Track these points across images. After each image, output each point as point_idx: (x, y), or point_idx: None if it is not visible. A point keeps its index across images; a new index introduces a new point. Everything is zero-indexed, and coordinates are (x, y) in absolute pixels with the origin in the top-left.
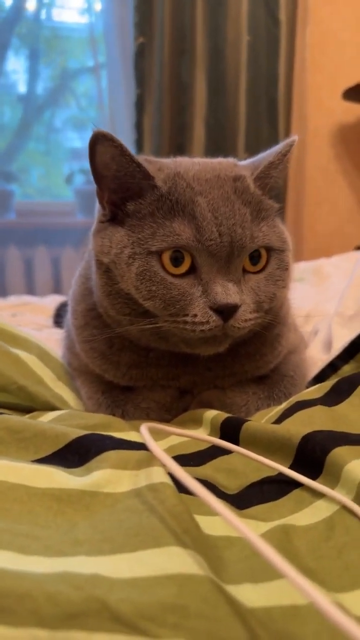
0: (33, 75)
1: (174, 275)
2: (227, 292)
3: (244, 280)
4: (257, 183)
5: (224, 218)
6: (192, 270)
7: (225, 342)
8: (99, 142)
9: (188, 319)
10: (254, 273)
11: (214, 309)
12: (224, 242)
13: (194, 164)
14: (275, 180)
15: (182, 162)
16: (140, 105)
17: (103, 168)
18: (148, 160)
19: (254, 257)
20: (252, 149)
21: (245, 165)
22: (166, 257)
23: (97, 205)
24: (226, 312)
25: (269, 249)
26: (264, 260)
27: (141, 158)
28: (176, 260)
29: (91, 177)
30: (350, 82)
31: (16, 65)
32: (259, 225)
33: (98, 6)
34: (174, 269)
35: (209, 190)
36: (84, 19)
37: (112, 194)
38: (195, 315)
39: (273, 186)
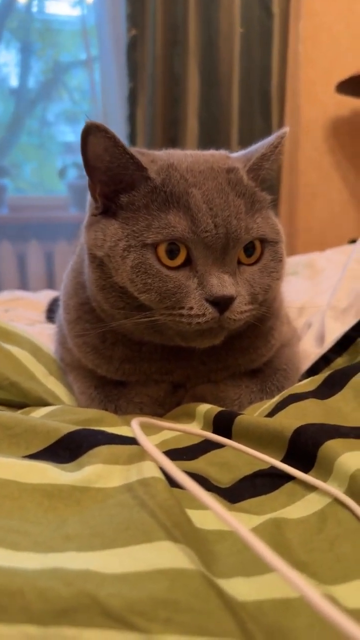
0: (25, 68)
1: (169, 268)
2: (222, 283)
3: (238, 272)
4: (250, 175)
5: (219, 209)
6: (188, 262)
7: (221, 335)
8: (92, 133)
9: (184, 311)
10: (249, 265)
11: (210, 301)
12: (219, 233)
13: (186, 155)
14: (268, 172)
15: (174, 154)
16: (132, 98)
17: (95, 160)
18: (140, 152)
19: (249, 249)
20: (246, 142)
21: (237, 157)
22: (162, 250)
23: (89, 199)
24: (222, 304)
25: (263, 241)
26: (258, 252)
27: (133, 150)
28: (171, 253)
29: (84, 171)
30: (344, 75)
31: (7, 58)
32: (253, 216)
33: None
34: (170, 261)
35: (203, 182)
36: (76, 12)
37: (104, 186)
38: (192, 308)
39: (265, 178)
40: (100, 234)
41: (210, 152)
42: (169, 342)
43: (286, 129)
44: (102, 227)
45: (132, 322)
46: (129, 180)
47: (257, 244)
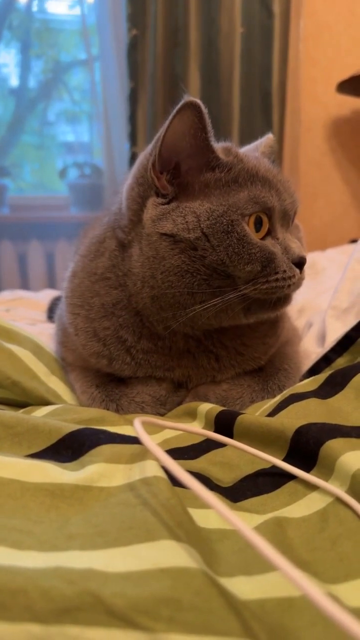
0: (25, 68)
1: (260, 239)
2: (299, 246)
3: None
4: None
5: (287, 184)
6: (268, 233)
7: (291, 299)
8: (189, 109)
9: (279, 275)
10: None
11: (294, 263)
12: (293, 202)
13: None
14: None
15: None
16: (133, 98)
17: (180, 138)
18: None
19: None
20: (246, 142)
21: (245, 150)
22: (251, 222)
23: (125, 201)
24: (302, 264)
25: None
26: None
27: None
28: (257, 225)
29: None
30: (344, 75)
31: (7, 58)
32: None
33: None
34: (256, 233)
35: (260, 162)
36: (76, 11)
37: (182, 166)
38: (285, 271)
39: None
40: (191, 217)
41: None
42: (224, 323)
43: (270, 135)
44: (187, 210)
45: (203, 306)
46: (204, 161)
47: None
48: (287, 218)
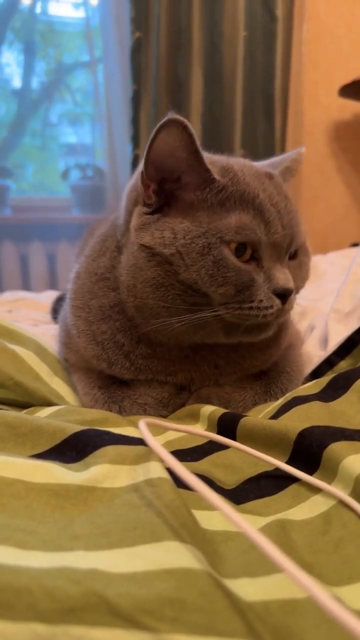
0: (28, 69)
1: (241, 263)
2: (287, 277)
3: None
4: None
5: (285, 213)
6: (252, 259)
7: (274, 327)
8: (172, 127)
9: (254, 304)
10: (290, 260)
11: (276, 294)
12: (286, 234)
13: (228, 159)
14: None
15: (216, 157)
16: (136, 101)
17: (165, 155)
18: None
19: None
20: (248, 145)
21: (262, 165)
22: (233, 246)
23: (123, 204)
24: (286, 296)
25: None
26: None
27: None
28: (238, 251)
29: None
30: (347, 79)
31: (10, 59)
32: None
33: (94, 0)
34: (239, 258)
35: (260, 185)
36: (79, 13)
37: (165, 182)
38: (261, 301)
39: None
40: (168, 232)
41: (235, 158)
42: (205, 339)
43: (303, 149)
44: (167, 225)
45: (179, 320)
46: (193, 179)
47: None
48: (279, 250)
